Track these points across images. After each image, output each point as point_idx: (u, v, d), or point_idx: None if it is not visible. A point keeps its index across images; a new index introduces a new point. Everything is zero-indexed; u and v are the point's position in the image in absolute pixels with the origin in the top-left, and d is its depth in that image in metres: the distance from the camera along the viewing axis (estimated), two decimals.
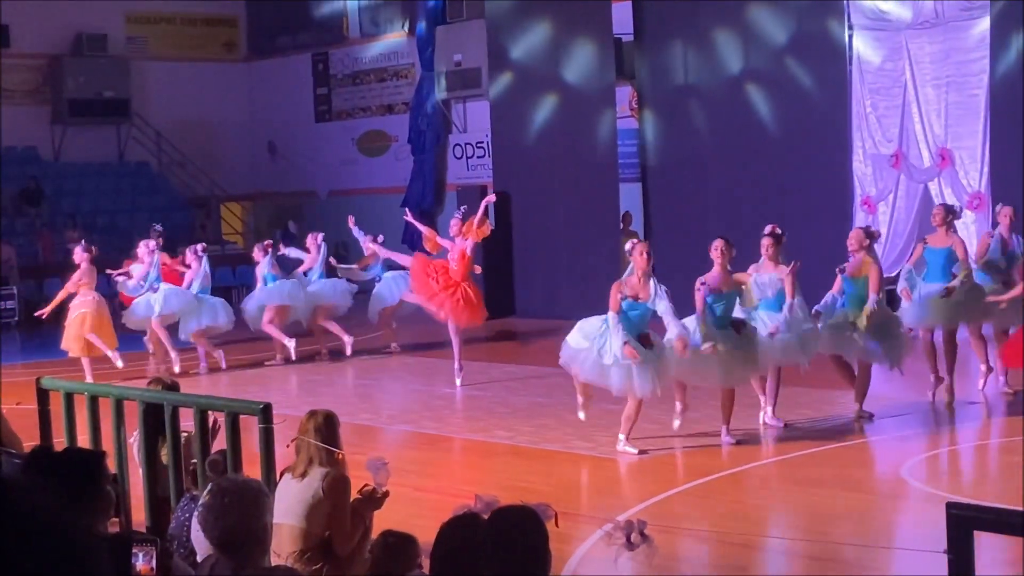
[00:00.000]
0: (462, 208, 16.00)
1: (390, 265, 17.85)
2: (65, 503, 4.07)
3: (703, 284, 10.99)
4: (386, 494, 6.69)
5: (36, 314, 17.47)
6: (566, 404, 13.41)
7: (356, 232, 18.06)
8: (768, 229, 11.67)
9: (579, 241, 21.27)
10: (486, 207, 15.72)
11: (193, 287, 16.79)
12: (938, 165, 18.28)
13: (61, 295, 16.44)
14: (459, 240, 15.14)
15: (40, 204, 26.77)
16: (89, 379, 15.57)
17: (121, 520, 7.02)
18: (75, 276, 16.07)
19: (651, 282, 10.67)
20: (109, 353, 15.96)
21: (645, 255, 10.71)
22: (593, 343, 10.83)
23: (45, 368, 14.04)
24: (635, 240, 11.33)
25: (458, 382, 15.00)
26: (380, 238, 17.98)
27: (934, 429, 12.05)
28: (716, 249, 11.21)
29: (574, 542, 7.92)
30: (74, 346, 15.95)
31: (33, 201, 26.73)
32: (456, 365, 15.03)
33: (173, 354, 16.69)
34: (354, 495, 6.70)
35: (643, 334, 10.78)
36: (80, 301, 15.97)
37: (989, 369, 12.93)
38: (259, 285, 17.46)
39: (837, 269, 11.97)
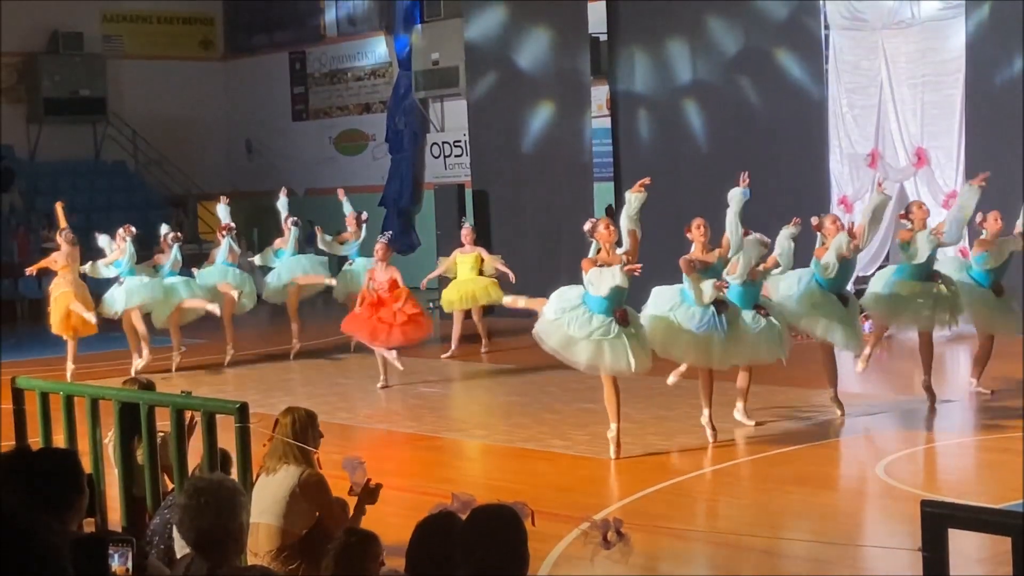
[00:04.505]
0: (387, 232, 15.94)
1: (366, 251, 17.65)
2: (37, 504, 4.07)
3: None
4: (379, 486, 6.70)
5: (27, 270, 17.15)
6: (542, 402, 13.43)
7: (346, 205, 17.96)
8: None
9: (556, 240, 21.25)
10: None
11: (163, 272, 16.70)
12: (914, 164, 18.35)
13: (43, 262, 16.24)
14: (382, 266, 14.79)
15: (10, 188, 26.42)
16: (70, 364, 15.52)
17: (96, 520, 7.01)
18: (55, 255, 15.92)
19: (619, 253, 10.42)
20: (88, 315, 15.65)
21: (611, 227, 10.46)
22: (565, 315, 10.60)
23: (21, 368, 13.98)
24: (593, 219, 11.11)
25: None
26: (364, 215, 17.83)
27: (909, 427, 12.08)
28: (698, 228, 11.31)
29: (550, 541, 7.92)
30: (59, 325, 15.77)
31: (2, 185, 26.36)
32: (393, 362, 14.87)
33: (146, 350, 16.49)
34: (336, 494, 6.72)
35: (620, 310, 10.51)
36: (60, 282, 15.79)
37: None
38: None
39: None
